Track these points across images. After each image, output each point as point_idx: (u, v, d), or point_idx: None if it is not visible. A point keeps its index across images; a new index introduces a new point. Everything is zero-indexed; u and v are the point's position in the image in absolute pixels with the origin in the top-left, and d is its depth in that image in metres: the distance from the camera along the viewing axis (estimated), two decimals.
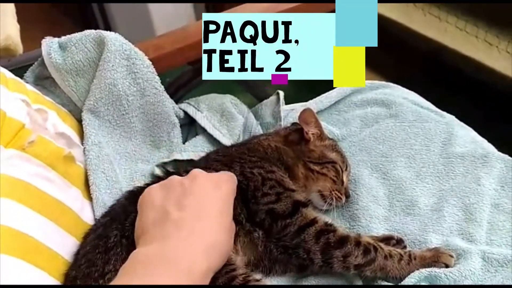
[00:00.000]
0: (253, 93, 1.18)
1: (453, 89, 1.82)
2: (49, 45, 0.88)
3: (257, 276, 0.71)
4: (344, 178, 0.87)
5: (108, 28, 2.45)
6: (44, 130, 0.76)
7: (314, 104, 1.07)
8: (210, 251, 0.58)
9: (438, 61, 1.88)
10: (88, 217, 0.78)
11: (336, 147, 0.91)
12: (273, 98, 1.07)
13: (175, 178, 0.66)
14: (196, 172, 0.67)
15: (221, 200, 0.64)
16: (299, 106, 1.07)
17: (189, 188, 0.63)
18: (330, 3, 1.11)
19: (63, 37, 0.89)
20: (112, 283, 0.55)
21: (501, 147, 0.96)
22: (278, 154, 0.86)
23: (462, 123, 1.00)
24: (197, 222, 0.60)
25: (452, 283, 0.69)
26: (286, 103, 1.08)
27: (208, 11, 2.60)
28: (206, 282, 0.57)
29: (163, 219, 0.60)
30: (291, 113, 1.06)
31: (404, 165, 0.91)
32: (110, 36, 0.87)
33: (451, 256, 0.72)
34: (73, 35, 0.89)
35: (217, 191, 0.65)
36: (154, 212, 0.62)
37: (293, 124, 0.94)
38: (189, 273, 0.55)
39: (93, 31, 0.89)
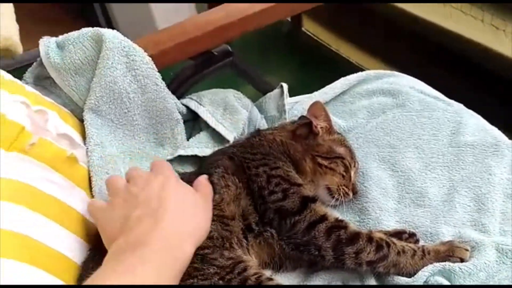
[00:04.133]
0: (256, 86, 1.16)
1: (460, 75, 1.79)
2: (47, 44, 0.86)
3: (268, 273, 0.71)
4: (352, 174, 0.85)
5: (109, 24, 2.44)
6: (45, 132, 0.75)
7: (319, 95, 1.05)
8: (179, 231, 0.61)
9: (444, 47, 1.84)
10: None
11: (345, 142, 0.89)
12: (277, 91, 1.06)
13: (118, 187, 0.68)
14: (132, 171, 0.70)
15: (171, 184, 0.67)
16: (303, 98, 1.06)
17: (137, 192, 0.66)
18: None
19: (60, 36, 0.88)
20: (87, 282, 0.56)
21: (510, 135, 0.94)
22: (283, 148, 0.85)
23: (471, 111, 0.98)
24: (157, 209, 0.62)
25: (467, 277, 0.67)
26: (290, 96, 1.07)
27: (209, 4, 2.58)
28: (189, 248, 0.60)
29: (124, 221, 0.62)
30: (295, 105, 1.04)
31: (413, 156, 0.89)
32: (108, 33, 0.85)
33: (467, 250, 0.71)
34: (70, 33, 0.87)
35: (163, 179, 0.67)
36: (113, 221, 0.64)
37: (301, 117, 0.92)
38: (173, 250, 0.58)
39: (90, 29, 0.87)
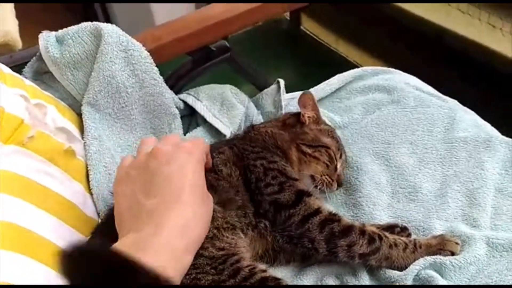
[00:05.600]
0: (253, 82, 1.17)
1: (457, 73, 1.80)
2: (46, 39, 0.87)
3: (262, 266, 0.71)
4: (338, 166, 0.86)
5: (108, 20, 2.46)
6: (44, 125, 0.76)
7: (315, 92, 1.05)
8: (185, 231, 0.59)
9: (442, 45, 1.86)
10: (91, 212, 0.78)
11: (332, 133, 0.91)
12: (273, 87, 1.07)
13: (140, 154, 0.65)
14: (159, 148, 0.64)
15: (190, 173, 0.63)
16: (300, 95, 1.06)
17: (155, 168, 0.62)
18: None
19: (60, 31, 0.88)
20: None
21: (505, 130, 0.95)
22: (274, 140, 0.86)
23: (464, 107, 0.99)
24: (169, 205, 0.59)
25: (457, 270, 0.69)
26: (287, 92, 1.08)
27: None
28: (189, 257, 0.59)
29: (136, 209, 0.60)
30: (292, 101, 1.05)
31: (407, 151, 0.90)
32: (107, 28, 0.86)
33: (457, 244, 0.72)
34: (69, 28, 0.88)
35: (183, 160, 0.63)
36: (127, 201, 0.62)
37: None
38: (169, 252, 0.56)
39: (89, 23, 0.88)
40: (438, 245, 0.72)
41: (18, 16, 1.07)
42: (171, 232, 0.58)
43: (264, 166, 0.79)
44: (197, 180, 0.63)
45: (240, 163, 0.79)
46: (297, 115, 0.91)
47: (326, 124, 0.93)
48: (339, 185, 0.85)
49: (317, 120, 0.91)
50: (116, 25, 0.89)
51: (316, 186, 0.82)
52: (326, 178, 0.83)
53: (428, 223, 0.78)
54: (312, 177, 0.83)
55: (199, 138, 0.72)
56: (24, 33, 1.04)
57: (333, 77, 1.08)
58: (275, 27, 2.53)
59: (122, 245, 0.57)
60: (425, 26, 1.89)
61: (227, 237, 0.71)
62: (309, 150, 0.85)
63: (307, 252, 0.74)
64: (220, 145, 0.85)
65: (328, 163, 0.84)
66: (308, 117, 0.90)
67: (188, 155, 0.64)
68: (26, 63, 0.93)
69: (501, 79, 1.62)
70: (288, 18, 2.59)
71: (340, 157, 0.88)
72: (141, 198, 0.60)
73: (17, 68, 0.90)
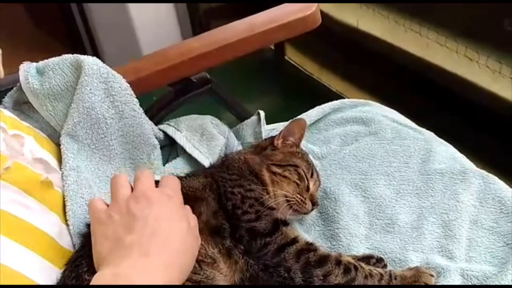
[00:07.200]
0: (234, 113, 1.18)
1: (435, 103, 1.84)
2: (27, 70, 0.88)
3: None
4: (311, 185, 0.87)
5: (95, 51, 2.46)
6: (21, 156, 0.75)
7: None
8: (167, 268, 0.59)
9: (420, 76, 1.90)
10: (66, 243, 0.77)
11: (303, 155, 0.92)
12: (254, 118, 1.08)
13: (120, 201, 0.66)
14: (141, 192, 0.66)
15: (171, 212, 0.65)
16: (280, 126, 1.08)
17: (137, 211, 0.63)
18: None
19: (40, 62, 0.89)
20: None
21: (481, 161, 0.96)
22: (247, 165, 0.87)
23: (441, 140, 1.01)
24: (150, 242, 0.60)
25: None
26: (267, 123, 1.09)
27: (194, 31, 2.64)
28: None
29: (116, 246, 0.61)
30: (272, 132, 1.06)
31: (384, 183, 0.91)
32: (87, 60, 0.87)
33: (432, 276, 0.72)
34: (50, 59, 0.88)
35: (165, 204, 0.65)
36: (107, 241, 0.63)
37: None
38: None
39: (70, 55, 0.88)
40: (413, 276, 0.72)
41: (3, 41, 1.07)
42: (149, 266, 0.58)
43: (241, 194, 0.79)
44: (176, 223, 0.64)
45: (216, 191, 0.80)
46: (270, 138, 0.93)
47: (297, 147, 0.94)
48: (314, 204, 0.86)
49: (293, 145, 0.92)
50: (101, 49, 0.90)
51: (290, 207, 0.83)
52: (297, 196, 0.83)
53: (404, 254, 0.79)
54: (287, 200, 0.83)
55: (173, 178, 0.72)
56: (7, 58, 1.04)
57: (312, 109, 1.10)
58: (260, 56, 2.57)
59: (101, 278, 0.58)
60: (405, 58, 1.94)
61: (206, 270, 0.70)
62: (278, 170, 0.86)
63: (283, 282, 0.74)
64: (197, 174, 0.85)
65: (298, 181, 0.85)
66: (282, 143, 0.91)
67: (168, 199, 0.66)
68: (6, 90, 0.92)
69: (478, 110, 1.66)
70: (272, 47, 2.64)
71: (312, 176, 0.88)
72: (122, 235, 0.61)
73: None
